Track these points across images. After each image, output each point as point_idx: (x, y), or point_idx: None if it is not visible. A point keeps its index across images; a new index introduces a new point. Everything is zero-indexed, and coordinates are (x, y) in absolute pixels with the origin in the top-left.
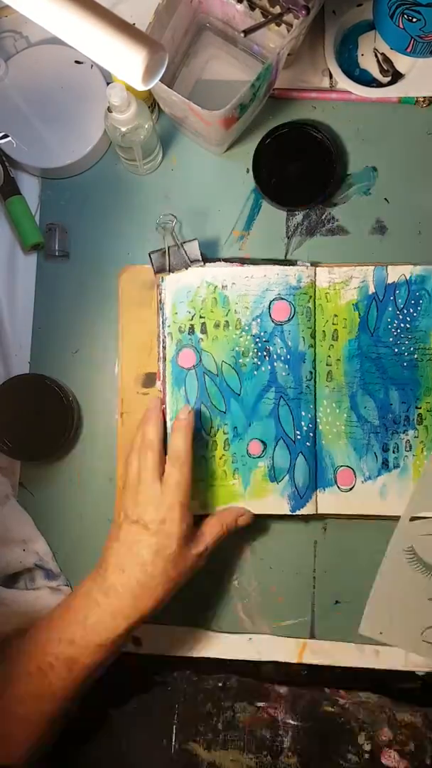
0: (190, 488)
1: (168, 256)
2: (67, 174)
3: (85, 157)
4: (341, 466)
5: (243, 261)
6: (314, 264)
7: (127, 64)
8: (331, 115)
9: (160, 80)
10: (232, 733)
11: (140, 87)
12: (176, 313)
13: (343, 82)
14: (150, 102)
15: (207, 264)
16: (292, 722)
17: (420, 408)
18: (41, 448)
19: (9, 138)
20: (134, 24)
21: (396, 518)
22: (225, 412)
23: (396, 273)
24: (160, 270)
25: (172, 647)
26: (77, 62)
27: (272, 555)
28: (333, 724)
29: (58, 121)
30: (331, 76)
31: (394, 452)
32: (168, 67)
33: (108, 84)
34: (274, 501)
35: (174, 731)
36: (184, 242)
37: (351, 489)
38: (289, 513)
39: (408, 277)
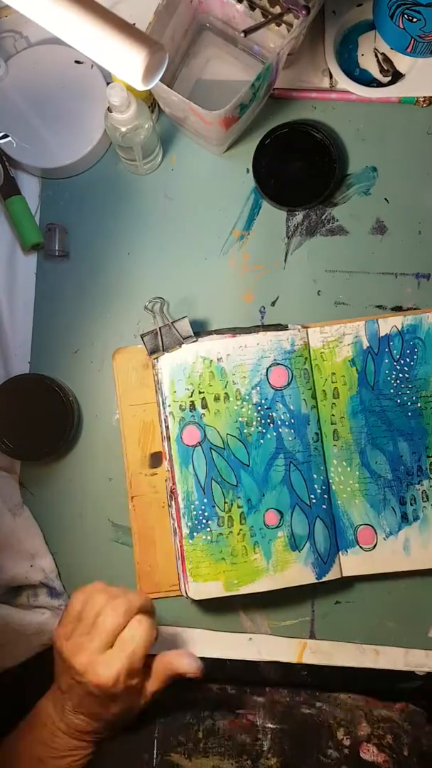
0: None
1: (160, 337)
2: (67, 174)
3: (85, 157)
4: (360, 524)
5: (234, 331)
6: (305, 326)
7: (127, 64)
8: (331, 115)
9: (160, 80)
10: (212, 740)
11: (140, 87)
12: (175, 392)
13: (343, 82)
14: (150, 102)
15: (199, 339)
16: (270, 725)
17: (431, 456)
18: (41, 448)
19: (9, 138)
20: (134, 24)
21: (423, 572)
22: (237, 486)
23: (387, 325)
24: (153, 351)
25: (172, 647)
26: (77, 62)
27: None
28: (311, 724)
29: (58, 121)
30: (331, 76)
31: (411, 504)
32: (168, 67)
33: (108, 84)
34: (298, 571)
35: (155, 744)
36: (175, 321)
37: (374, 547)
38: (316, 581)
39: (400, 328)
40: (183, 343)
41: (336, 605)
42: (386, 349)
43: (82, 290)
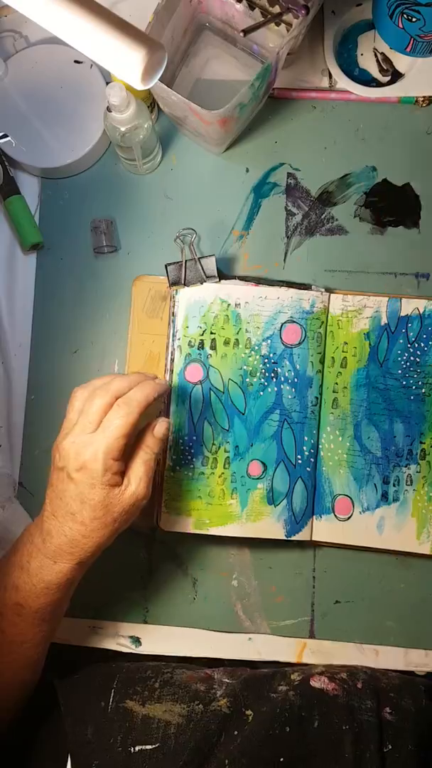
0: (129, 437)
1: (184, 270)
2: (67, 174)
3: (85, 157)
4: (340, 494)
5: (258, 281)
6: (329, 290)
7: (127, 63)
8: (331, 114)
9: (159, 80)
10: (167, 689)
11: (140, 86)
12: (187, 327)
13: (343, 82)
14: (149, 102)
15: (222, 281)
16: (227, 680)
17: (424, 443)
18: None
19: (8, 138)
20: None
21: (393, 553)
22: (228, 430)
23: (410, 306)
24: (174, 283)
25: (171, 647)
26: (77, 62)
27: (272, 555)
28: (265, 674)
29: (58, 120)
30: (330, 76)
31: (394, 485)
32: (167, 67)
33: (107, 83)
34: (270, 525)
35: (112, 693)
36: (202, 257)
37: (348, 519)
38: (284, 538)
39: (421, 311)
40: (205, 281)
41: (336, 605)
42: (403, 330)
43: (82, 290)
